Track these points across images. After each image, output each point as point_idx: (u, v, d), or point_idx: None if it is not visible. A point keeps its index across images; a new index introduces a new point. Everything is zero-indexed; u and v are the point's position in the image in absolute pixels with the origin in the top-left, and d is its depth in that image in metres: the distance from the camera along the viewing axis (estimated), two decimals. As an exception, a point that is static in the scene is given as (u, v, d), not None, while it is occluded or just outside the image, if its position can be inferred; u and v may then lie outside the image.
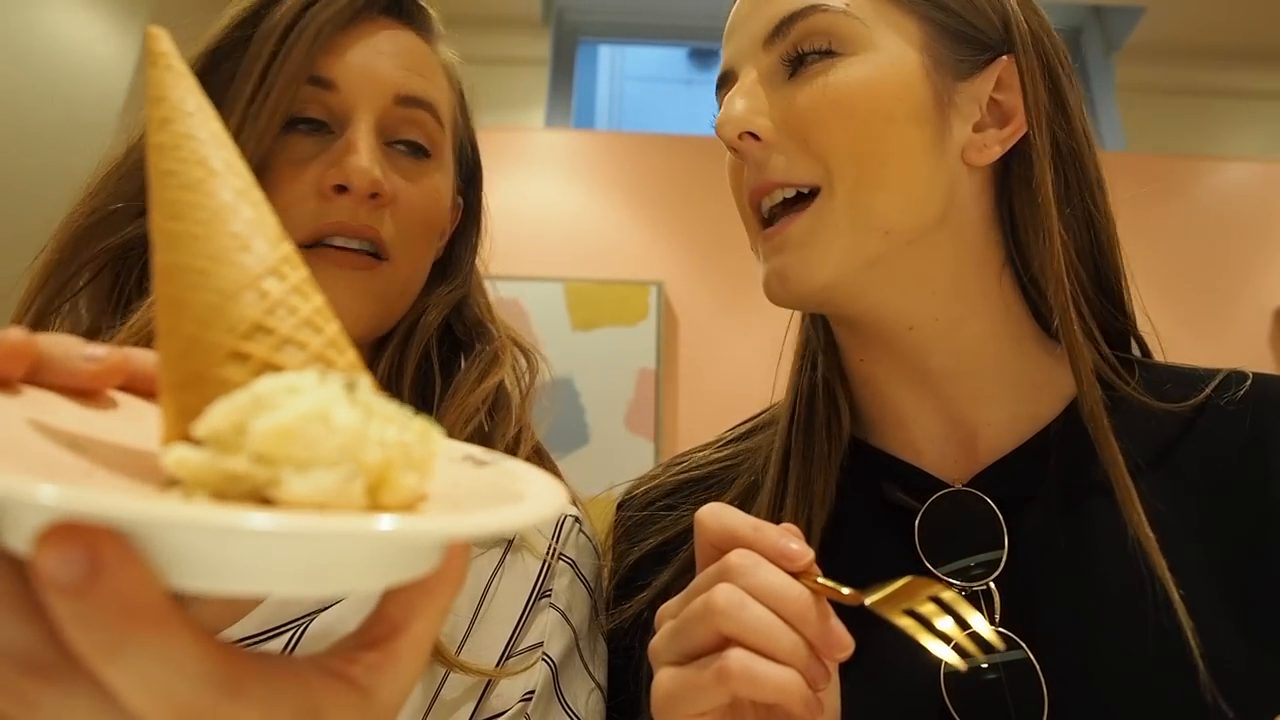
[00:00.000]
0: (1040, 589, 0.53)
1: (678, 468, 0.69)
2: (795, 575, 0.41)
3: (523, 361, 0.74)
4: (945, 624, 0.40)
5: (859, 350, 0.62)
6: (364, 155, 0.58)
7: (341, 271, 0.59)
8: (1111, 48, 3.05)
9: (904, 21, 0.57)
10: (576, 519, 0.68)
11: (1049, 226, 0.56)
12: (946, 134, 0.56)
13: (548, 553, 0.64)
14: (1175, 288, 2.49)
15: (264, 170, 0.58)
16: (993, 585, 0.53)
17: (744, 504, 0.61)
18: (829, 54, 0.56)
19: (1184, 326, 2.46)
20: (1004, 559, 0.53)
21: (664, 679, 0.41)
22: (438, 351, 0.69)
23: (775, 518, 0.58)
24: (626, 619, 0.62)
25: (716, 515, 0.44)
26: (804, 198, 0.56)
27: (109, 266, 0.58)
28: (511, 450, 0.70)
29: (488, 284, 0.77)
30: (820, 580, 0.41)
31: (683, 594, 0.44)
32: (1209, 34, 2.99)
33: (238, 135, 0.56)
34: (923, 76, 0.56)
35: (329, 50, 0.60)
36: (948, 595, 0.41)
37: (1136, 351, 0.64)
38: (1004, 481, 0.56)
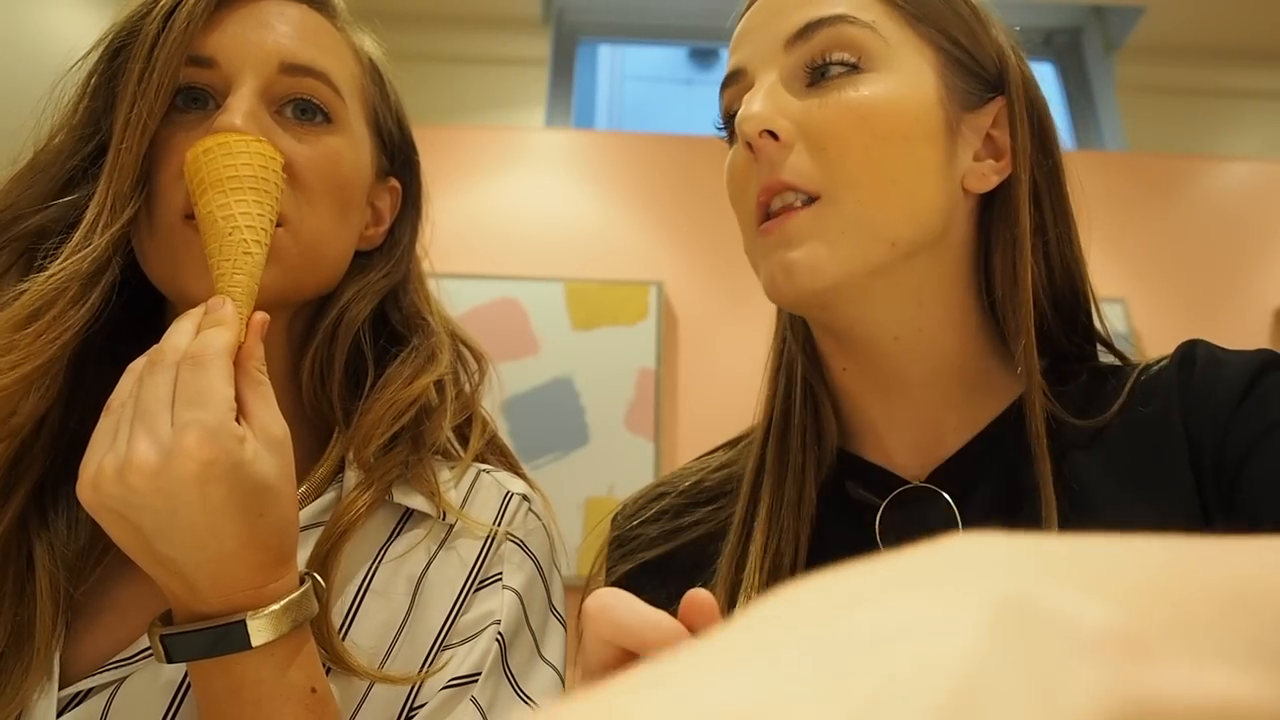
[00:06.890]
0: None
1: (669, 483, 0.70)
2: None
3: (472, 363, 0.73)
4: None
5: (842, 360, 0.63)
6: (235, 114, 0.57)
7: None
8: (1111, 48, 3.05)
9: (923, 47, 0.59)
10: (525, 498, 0.68)
11: (1022, 260, 0.59)
12: (953, 159, 0.59)
13: (489, 536, 0.64)
14: (1175, 287, 2.49)
15: (156, 147, 0.59)
16: None
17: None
18: (853, 68, 0.57)
19: (1184, 326, 2.46)
20: None
21: None
22: (373, 343, 0.67)
23: (749, 529, 0.60)
24: None
25: (604, 613, 0.35)
26: (807, 204, 0.57)
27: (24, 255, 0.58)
28: (462, 441, 0.70)
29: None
30: None
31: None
32: (1209, 34, 2.99)
33: (129, 115, 0.57)
34: (937, 101, 0.58)
35: (208, 29, 0.60)
36: None
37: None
38: (956, 476, 0.59)
